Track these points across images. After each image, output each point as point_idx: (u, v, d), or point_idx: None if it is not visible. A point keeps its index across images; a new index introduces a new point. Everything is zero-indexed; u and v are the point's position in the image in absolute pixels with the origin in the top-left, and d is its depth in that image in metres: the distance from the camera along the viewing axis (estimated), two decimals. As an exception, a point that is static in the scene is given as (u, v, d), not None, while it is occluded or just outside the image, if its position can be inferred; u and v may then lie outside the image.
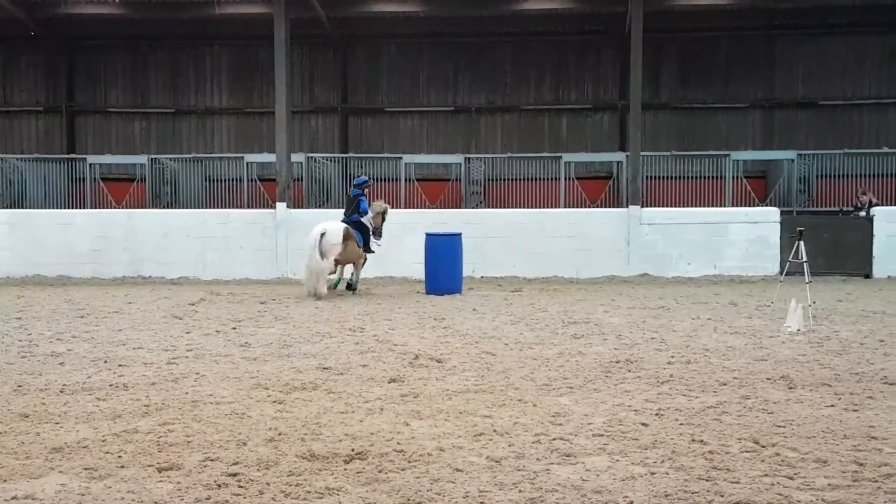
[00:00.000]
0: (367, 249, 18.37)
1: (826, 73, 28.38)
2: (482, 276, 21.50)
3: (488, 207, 25.80)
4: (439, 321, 13.86)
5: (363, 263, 18.56)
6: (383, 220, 18.74)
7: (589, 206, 25.33)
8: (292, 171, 23.45)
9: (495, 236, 21.50)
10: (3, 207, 25.00)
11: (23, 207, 25.50)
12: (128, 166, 27.60)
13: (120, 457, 6.50)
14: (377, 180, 26.56)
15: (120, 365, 10.19)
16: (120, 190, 26.97)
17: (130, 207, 25.37)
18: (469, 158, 26.93)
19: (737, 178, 25.74)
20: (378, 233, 18.57)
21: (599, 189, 26.50)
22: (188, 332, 12.80)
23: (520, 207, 24.00)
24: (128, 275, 22.05)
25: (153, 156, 27.34)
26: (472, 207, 25.54)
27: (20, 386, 9.04)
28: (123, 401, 8.35)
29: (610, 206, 25.06)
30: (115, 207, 25.69)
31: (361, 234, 18.09)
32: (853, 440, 6.85)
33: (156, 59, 29.81)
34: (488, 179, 27.16)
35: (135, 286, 20.50)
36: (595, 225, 21.93)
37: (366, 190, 18.56)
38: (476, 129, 29.46)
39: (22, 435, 7.15)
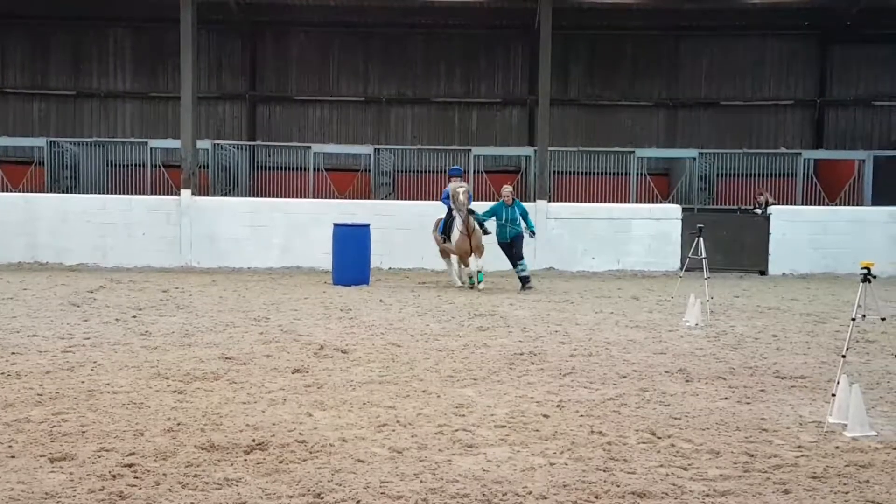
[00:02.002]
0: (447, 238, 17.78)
1: (728, 74, 29.12)
2: (390, 268, 21.48)
3: (397, 199, 25.78)
4: (346, 312, 13.80)
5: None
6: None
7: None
8: (198, 157, 23.05)
9: (404, 228, 21.50)
10: None
11: None
12: (25, 149, 26.77)
13: (11, 446, 6.31)
14: (285, 169, 26.30)
15: (13, 353, 9.90)
16: (17, 173, 26.13)
17: (28, 191, 24.61)
18: (378, 149, 26.85)
19: (641, 174, 26.22)
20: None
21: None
22: (86, 320, 12.49)
23: (429, 200, 24.02)
24: (24, 260, 21.41)
25: (52, 139, 26.57)
26: (382, 199, 25.48)
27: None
28: (16, 389, 8.11)
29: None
30: (11, 191, 24.89)
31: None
32: (745, 432, 7.05)
33: (56, 39, 28.96)
34: (398, 171, 27.14)
35: (31, 272, 19.92)
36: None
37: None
38: (386, 120, 29.40)
39: None
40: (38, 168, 26.07)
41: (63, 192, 24.98)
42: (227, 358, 9.79)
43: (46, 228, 21.54)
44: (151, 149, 25.86)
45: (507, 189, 17.64)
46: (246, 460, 6.09)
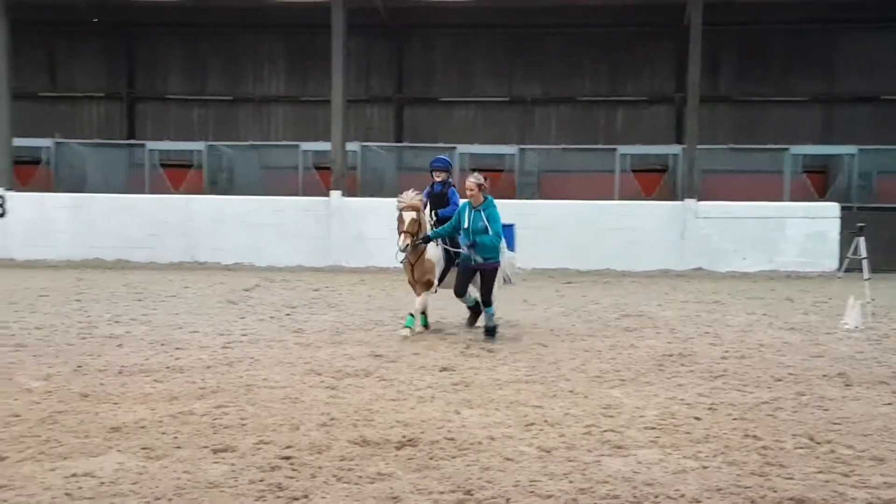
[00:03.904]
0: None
1: (888, 68, 27.80)
2: (534, 268, 21.41)
3: (542, 199, 25.70)
4: (491, 311, 13.83)
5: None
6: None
7: (644, 199, 25.12)
8: (347, 159, 23.56)
9: (548, 227, 21.41)
10: (64, 191, 25.42)
11: (83, 192, 25.92)
12: (185, 152, 27.93)
13: (176, 437, 6.62)
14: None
15: (176, 348, 10.35)
16: (178, 176, 27.29)
17: (187, 193, 25.67)
18: (523, 149, 26.84)
19: (796, 172, 25.34)
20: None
21: (655, 182, 26.25)
22: (242, 318, 12.95)
23: (573, 199, 23.85)
24: (184, 260, 22.33)
25: (210, 143, 27.63)
26: (526, 198, 25.46)
27: (80, 366, 9.23)
28: (179, 383, 8.50)
29: (665, 200, 24.83)
30: (172, 193, 26.02)
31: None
32: (911, 439, 6.75)
33: (213, 46, 30.09)
34: (542, 170, 27.05)
35: (191, 271, 20.77)
36: (649, 218, 21.78)
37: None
38: (531, 120, 29.34)
39: (81, 414, 7.31)
40: (197, 171, 27.16)
41: (220, 194, 25.94)
42: (376, 355, 9.99)
43: (204, 229, 22.42)
44: (303, 151, 26.58)
45: (472, 180, 11.19)
46: (397, 456, 6.22)
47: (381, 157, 27.33)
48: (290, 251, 22.16)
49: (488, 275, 11.17)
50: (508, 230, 18.27)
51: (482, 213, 11.03)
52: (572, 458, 6.17)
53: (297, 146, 26.88)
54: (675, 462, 6.11)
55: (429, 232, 11.56)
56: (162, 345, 10.55)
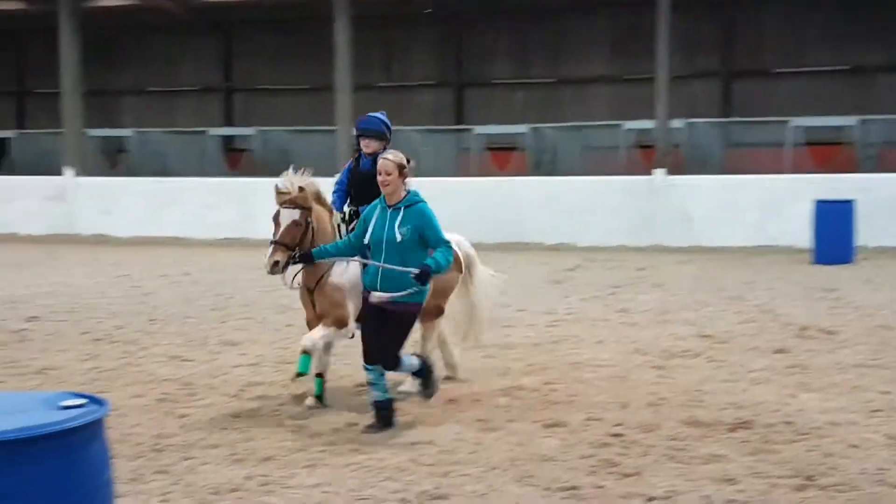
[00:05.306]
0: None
1: None
2: (876, 246, 19.95)
3: (884, 173, 23.86)
4: (829, 292, 13.05)
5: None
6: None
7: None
8: (671, 137, 23.13)
9: (891, 203, 19.84)
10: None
11: (415, 175, 27.30)
12: (510, 136, 28.62)
13: (508, 411, 6.83)
14: (758, 145, 25.49)
15: (504, 326, 10.63)
16: (503, 158, 28.06)
17: (512, 175, 26.30)
18: (864, 120, 25.03)
19: None
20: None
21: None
22: (566, 297, 13.10)
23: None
24: (509, 240, 22.91)
25: (534, 125, 28.15)
26: (867, 173, 23.75)
27: (414, 342, 9.70)
28: (509, 359, 8.75)
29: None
30: (497, 175, 26.76)
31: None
32: None
33: (537, 29, 30.57)
34: (885, 143, 25.10)
35: (517, 251, 21.27)
36: None
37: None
38: (871, 90, 27.29)
39: (419, 386, 7.71)
40: (521, 153, 27.78)
41: (543, 176, 26.36)
42: (704, 336, 9.75)
43: (527, 210, 22.87)
44: (625, 130, 26.41)
45: (388, 157, 6.68)
46: (730, 438, 6.07)
47: (706, 132, 26.57)
48: (612, 231, 22.08)
49: (399, 321, 6.51)
50: (848, 206, 17.21)
51: (401, 214, 6.54)
52: (926, 450, 5.71)
53: (619, 125, 26.75)
54: None
55: (327, 244, 6.95)
56: (490, 322, 10.87)
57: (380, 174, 6.53)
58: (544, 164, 27.55)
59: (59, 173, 24.84)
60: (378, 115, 7.68)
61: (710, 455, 5.68)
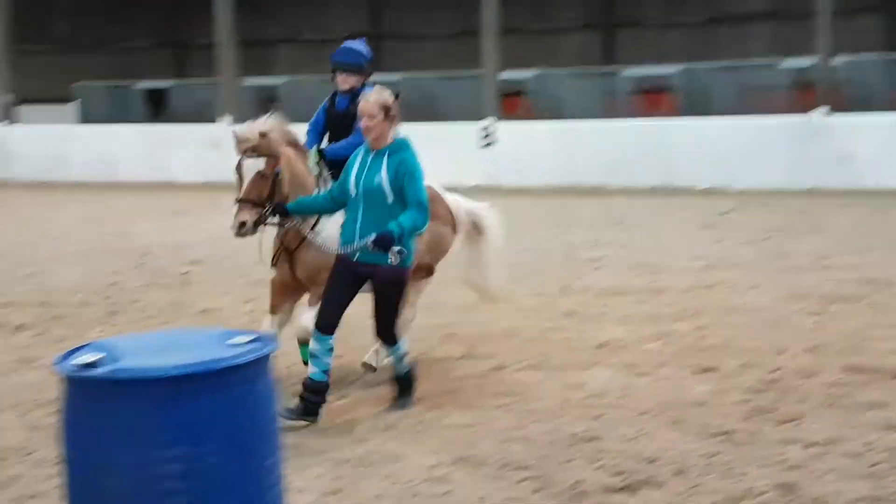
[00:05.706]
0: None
1: None
2: None
3: None
4: None
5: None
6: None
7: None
8: (833, 75, 22.08)
9: None
10: (544, 120, 26.65)
11: (562, 119, 27.00)
12: (661, 77, 27.95)
13: (659, 356, 6.78)
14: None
15: (653, 272, 10.48)
16: (654, 100, 27.43)
17: (663, 117, 25.70)
18: None
19: None
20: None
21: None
22: (719, 241, 12.78)
23: None
24: (659, 184, 22.45)
25: (687, 65, 27.38)
26: None
27: (564, 287, 9.70)
28: (659, 305, 8.65)
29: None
30: (648, 118, 26.21)
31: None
32: None
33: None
34: None
35: (666, 195, 20.84)
36: None
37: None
38: None
39: (567, 331, 7.75)
40: (673, 95, 27.10)
41: (696, 116, 25.66)
42: (867, 281, 9.37)
43: (680, 153, 22.31)
44: (783, 69, 25.41)
45: (371, 96, 5.69)
46: (892, 385, 5.87)
47: (870, 70, 25.28)
48: (768, 173, 21.33)
49: (387, 290, 5.76)
50: None
51: (385, 162, 5.61)
52: None
53: (776, 64, 25.75)
54: None
55: (305, 196, 6.11)
56: (640, 267, 10.74)
57: (361, 115, 5.59)
58: (697, 106, 26.80)
59: (214, 122, 25.70)
60: (354, 43, 6.66)
61: (872, 402, 5.53)
